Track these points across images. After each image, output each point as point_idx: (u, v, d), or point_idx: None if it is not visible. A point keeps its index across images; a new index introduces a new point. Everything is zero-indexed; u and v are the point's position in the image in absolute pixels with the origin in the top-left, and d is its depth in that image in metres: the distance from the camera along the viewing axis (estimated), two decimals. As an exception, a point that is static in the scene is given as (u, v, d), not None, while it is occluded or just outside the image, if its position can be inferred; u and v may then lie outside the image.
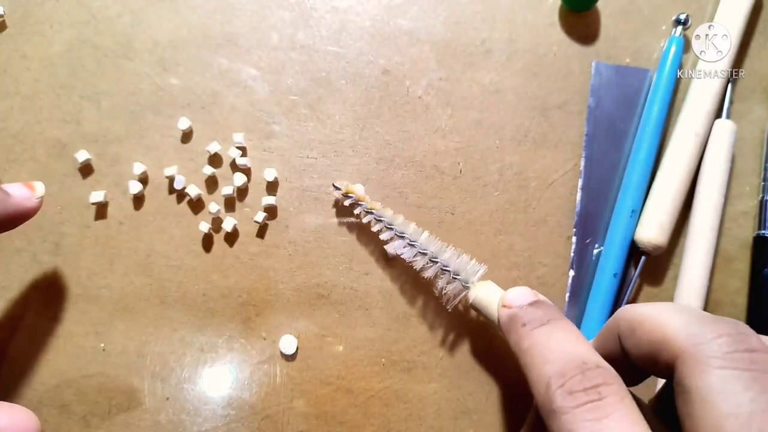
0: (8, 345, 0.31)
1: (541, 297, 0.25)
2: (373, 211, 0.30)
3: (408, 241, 0.29)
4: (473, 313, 0.31)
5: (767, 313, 0.30)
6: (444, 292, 0.29)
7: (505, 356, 0.31)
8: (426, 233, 0.29)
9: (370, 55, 0.33)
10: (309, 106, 0.32)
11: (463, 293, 0.28)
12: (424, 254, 0.29)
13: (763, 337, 0.18)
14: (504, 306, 0.25)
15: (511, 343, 0.24)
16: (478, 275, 0.28)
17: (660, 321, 0.19)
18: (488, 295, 0.27)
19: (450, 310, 0.30)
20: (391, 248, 0.30)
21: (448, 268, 0.28)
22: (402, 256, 0.29)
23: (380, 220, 0.30)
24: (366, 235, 0.31)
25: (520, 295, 0.25)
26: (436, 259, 0.28)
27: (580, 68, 0.33)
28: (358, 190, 0.31)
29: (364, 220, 0.30)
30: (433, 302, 0.31)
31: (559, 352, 0.21)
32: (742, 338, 0.17)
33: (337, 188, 0.31)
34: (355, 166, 0.32)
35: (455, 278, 0.28)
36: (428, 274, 0.29)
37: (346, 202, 0.31)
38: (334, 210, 0.32)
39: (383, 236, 0.30)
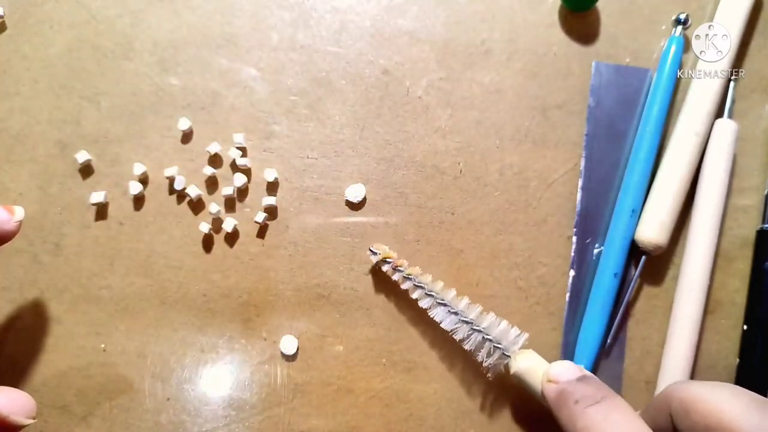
0: (8, 345, 0.31)
1: (587, 372, 0.25)
2: (412, 276, 0.30)
3: (449, 309, 0.28)
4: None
5: (766, 308, 0.30)
6: (485, 362, 0.28)
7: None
8: (466, 300, 0.29)
9: (370, 55, 0.33)
10: (309, 106, 0.32)
11: (504, 362, 0.28)
12: (465, 322, 0.28)
13: None
14: (550, 381, 0.25)
15: (562, 420, 0.23)
16: (520, 344, 0.28)
17: (716, 405, 0.19)
18: (532, 367, 0.27)
19: (491, 379, 0.29)
20: (436, 317, 0.29)
21: (489, 337, 0.28)
22: (442, 325, 0.29)
23: (420, 287, 0.29)
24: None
25: (567, 370, 0.25)
26: (477, 328, 0.28)
27: (580, 68, 0.33)
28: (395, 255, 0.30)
29: (403, 287, 0.30)
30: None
31: None
32: None
33: (374, 253, 0.30)
34: (355, 166, 0.32)
35: (496, 347, 0.28)
36: (469, 344, 0.28)
37: (384, 268, 0.30)
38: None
39: (423, 303, 0.29)
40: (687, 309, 0.30)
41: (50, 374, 0.30)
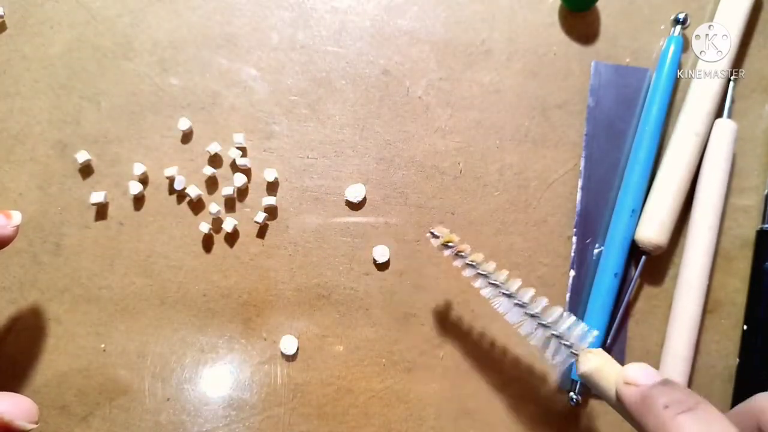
0: (8, 345, 0.31)
1: (667, 377, 0.24)
2: (474, 263, 0.27)
3: (514, 300, 0.26)
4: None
5: (766, 307, 0.30)
6: (551, 360, 0.26)
7: (504, 356, 0.31)
8: (532, 291, 0.26)
9: (370, 55, 0.33)
10: (309, 106, 0.32)
11: (572, 360, 0.26)
12: (532, 316, 0.26)
13: None
14: (628, 383, 0.23)
15: (649, 426, 0.22)
16: (588, 341, 0.26)
17: None
18: (603, 368, 0.24)
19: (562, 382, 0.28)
20: (500, 308, 0.27)
21: (557, 333, 0.26)
22: (506, 317, 0.26)
23: (483, 275, 0.27)
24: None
25: (646, 373, 0.23)
26: (544, 322, 0.26)
27: (580, 68, 0.33)
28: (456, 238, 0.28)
29: (465, 274, 0.28)
30: (433, 303, 0.31)
31: None
32: None
33: (435, 236, 0.28)
34: (355, 166, 0.32)
35: (564, 345, 0.26)
36: (535, 340, 0.26)
37: (446, 252, 0.28)
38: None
39: (484, 292, 0.27)
40: (687, 309, 0.30)
41: (50, 374, 0.30)
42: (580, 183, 0.32)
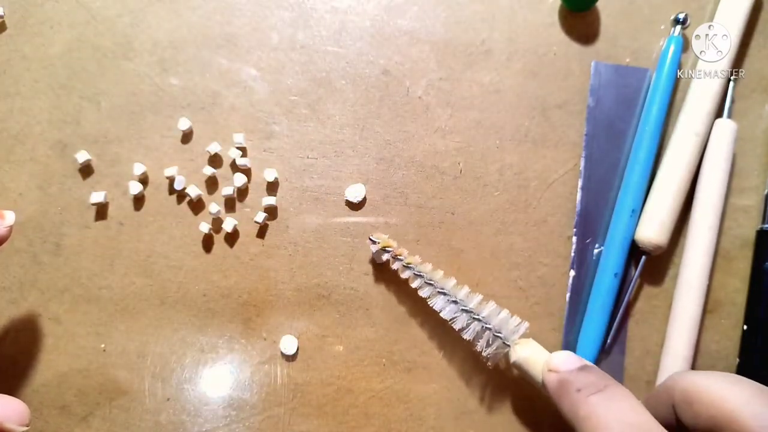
0: (8, 345, 0.31)
1: (588, 362, 0.25)
2: (411, 265, 0.29)
3: (449, 298, 0.28)
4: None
5: (766, 307, 0.30)
6: (484, 351, 0.28)
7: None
8: (466, 289, 0.29)
9: (370, 55, 0.33)
10: (309, 106, 0.32)
11: (504, 351, 0.28)
12: (465, 311, 0.28)
13: None
14: (551, 370, 0.25)
15: (564, 408, 0.23)
16: (520, 333, 0.28)
17: (720, 396, 0.18)
18: (532, 357, 0.27)
19: (491, 368, 0.29)
20: (436, 306, 0.29)
21: (489, 326, 0.27)
22: (442, 314, 0.28)
23: (419, 276, 0.29)
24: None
25: (568, 359, 0.25)
26: (477, 317, 0.28)
27: (580, 68, 0.33)
28: (394, 243, 0.30)
29: (403, 276, 0.30)
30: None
31: (621, 423, 0.20)
32: None
33: (373, 242, 0.30)
34: (355, 166, 0.32)
35: (497, 336, 0.27)
36: (468, 334, 0.28)
37: (384, 257, 0.30)
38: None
39: (423, 293, 0.29)
40: (687, 309, 0.30)
41: (50, 374, 0.30)
42: (580, 183, 0.32)
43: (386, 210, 0.32)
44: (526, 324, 0.28)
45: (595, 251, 0.32)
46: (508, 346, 0.27)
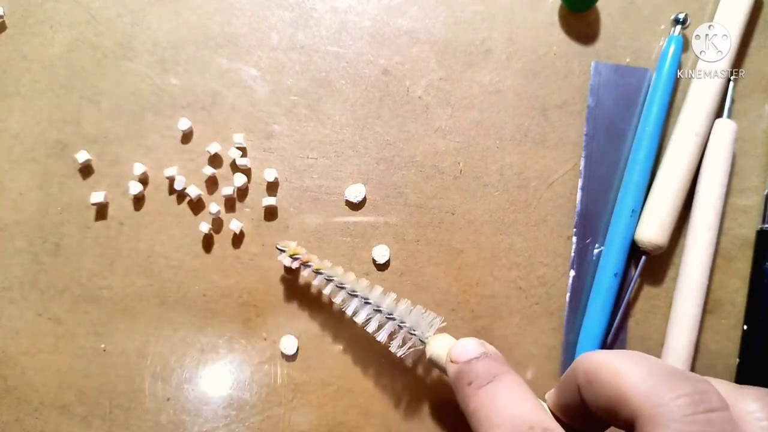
0: (9, 345, 0.31)
1: (489, 348, 0.24)
2: (322, 271, 0.29)
3: (362, 299, 0.28)
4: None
5: (766, 308, 0.30)
6: (400, 350, 0.27)
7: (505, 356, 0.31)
8: (379, 289, 0.28)
9: (370, 55, 0.33)
10: (309, 106, 0.32)
11: (421, 348, 0.27)
12: (379, 311, 0.27)
13: (722, 383, 0.18)
14: (451, 362, 0.23)
15: (459, 402, 0.22)
16: (434, 328, 0.27)
17: (617, 374, 0.18)
18: (442, 350, 0.25)
19: (410, 365, 0.29)
20: (349, 310, 0.28)
21: (404, 324, 0.27)
22: (355, 318, 0.28)
23: (330, 280, 0.28)
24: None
25: (468, 349, 0.23)
26: (391, 316, 0.27)
27: (580, 68, 0.33)
28: (303, 250, 0.30)
29: (314, 282, 0.29)
30: (432, 303, 0.31)
31: (504, 416, 0.20)
32: (701, 398, 0.16)
33: (281, 250, 0.29)
34: (355, 166, 0.32)
35: (412, 334, 0.27)
36: (384, 334, 0.27)
37: (294, 265, 0.29)
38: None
39: (336, 299, 0.29)
40: (687, 309, 0.30)
41: (50, 374, 0.30)
42: (580, 183, 0.32)
43: (386, 210, 0.32)
44: (441, 318, 0.27)
45: (595, 251, 0.32)
46: (425, 342, 0.27)
